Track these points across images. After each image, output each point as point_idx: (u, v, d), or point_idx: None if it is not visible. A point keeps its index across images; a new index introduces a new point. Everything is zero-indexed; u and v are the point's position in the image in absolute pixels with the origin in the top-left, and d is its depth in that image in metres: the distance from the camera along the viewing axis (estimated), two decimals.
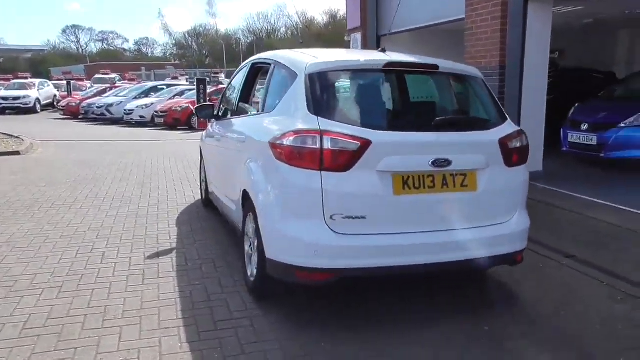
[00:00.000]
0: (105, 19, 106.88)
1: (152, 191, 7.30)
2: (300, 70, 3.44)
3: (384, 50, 3.89)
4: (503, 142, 3.39)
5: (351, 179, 3.06)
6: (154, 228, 5.50)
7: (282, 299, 3.66)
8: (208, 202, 6.17)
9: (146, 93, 22.49)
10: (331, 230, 3.08)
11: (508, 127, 3.54)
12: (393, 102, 3.78)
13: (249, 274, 3.82)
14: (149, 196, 6.99)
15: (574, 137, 8.35)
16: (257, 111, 4.17)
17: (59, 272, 4.23)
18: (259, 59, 4.70)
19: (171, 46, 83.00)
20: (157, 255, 4.65)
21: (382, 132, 3.15)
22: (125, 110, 20.40)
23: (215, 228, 5.50)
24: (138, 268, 4.32)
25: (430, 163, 3.16)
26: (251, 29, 79.43)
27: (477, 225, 3.33)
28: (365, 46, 11.68)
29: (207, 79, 18.72)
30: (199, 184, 6.84)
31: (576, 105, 9.03)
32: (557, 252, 4.73)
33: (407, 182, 3.15)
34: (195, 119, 17.67)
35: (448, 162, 3.19)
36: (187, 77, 35.86)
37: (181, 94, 20.90)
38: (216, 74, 34.07)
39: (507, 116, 3.65)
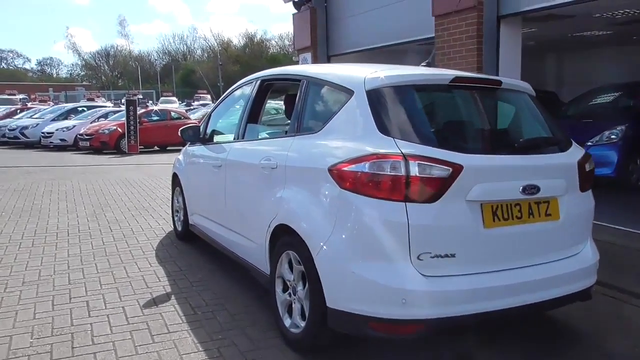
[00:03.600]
0: (1, 36, 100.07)
1: (112, 224, 6.44)
2: (356, 86, 2.98)
3: (428, 65, 3.53)
4: (581, 165, 3.11)
5: (439, 210, 2.62)
6: (134, 268, 4.74)
7: (328, 351, 3.12)
8: (186, 235, 5.50)
9: (65, 115, 20.93)
10: (418, 272, 2.61)
11: (578, 149, 3.26)
12: (471, 122, 3.36)
13: (287, 324, 3.24)
14: (110, 230, 6.14)
15: None
16: (285, 133, 3.64)
17: (39, 331, 3.42)
18: (271, 74, 4.15)
19: (80, 67, 78.97)
20: (155, 302, 3.94)
21: (472, 155, 2.74)
22: (43, 133, 18.73)
23: (205, 265, 4.83)
24: (139, 321, 3.60)
25: (520, 190, 2.80)
26: (166, 50, 77.37)
27: (562, 257, 2.99)
28: None
29: (137, 101, 17.59)
30: (172, 215, 6.10)
31: None
32: None
33: (496, 213, 2.76)
34: (124, 141, 16.56)
35: (537, 189, 2.84)
36: (103, 98, 33.94)
37: (105, 116, 19.60)
38: (134, 95, 32.85)
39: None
